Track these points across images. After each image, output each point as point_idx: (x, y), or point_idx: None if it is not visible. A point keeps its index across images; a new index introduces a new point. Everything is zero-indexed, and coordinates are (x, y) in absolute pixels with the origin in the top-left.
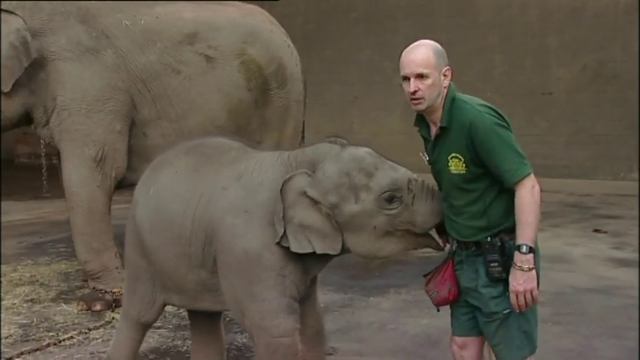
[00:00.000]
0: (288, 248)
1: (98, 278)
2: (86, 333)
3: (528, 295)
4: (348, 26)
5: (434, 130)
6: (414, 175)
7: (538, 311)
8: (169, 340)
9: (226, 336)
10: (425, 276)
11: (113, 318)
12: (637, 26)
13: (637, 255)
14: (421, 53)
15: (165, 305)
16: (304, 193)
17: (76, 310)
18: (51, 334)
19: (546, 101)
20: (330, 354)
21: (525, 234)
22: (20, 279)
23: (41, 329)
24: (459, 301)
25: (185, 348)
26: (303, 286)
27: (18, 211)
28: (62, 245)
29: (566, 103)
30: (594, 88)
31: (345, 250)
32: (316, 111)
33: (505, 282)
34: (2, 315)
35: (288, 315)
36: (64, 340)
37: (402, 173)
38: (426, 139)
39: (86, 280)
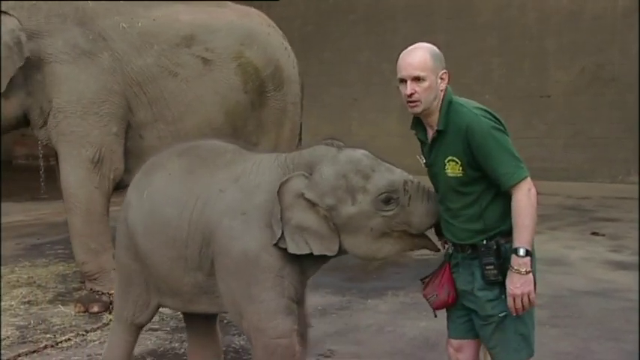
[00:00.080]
0: (285, 250)
1: (95, 280)
2: (83, 335)
3: (525, 299)
4: (346, 28)
5: (430, 133)
6: (410, 176)
7: (535, 314)
8: (167, 343)
9: (224, 338)
10: (422, 280)
11: (110, 320)
12: (635, 29)
13: (634, 258)
14: (418, 56)
15: (159, 307)
16: (302, 195)
17: (73, 312)
18: (48, 335)
19: (544, 104)
20: (328, 356)
21: (522, 237)
22: (18, 280)
23: (38, 331)
24: (455, 305)
25: (182, 350)
26: (300, 286)
27: (16, 213)
28: (60, 247)
29: (565, 105)
30: (592, 91)
31: (342, 251)
32: (315, 112)
33: (501, 285)
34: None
35: (286, 316)
36: (61, 342)
37: (399, 175)
38: (422, 142)
39: (83, 282)
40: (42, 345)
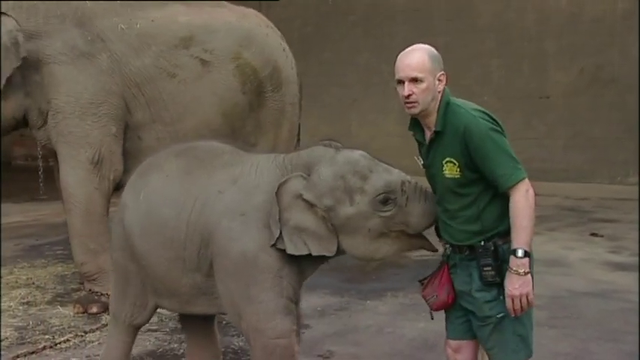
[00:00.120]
0: (284, 250)
1: (94, 280)
2: (82, 336)
3: (524, 300)
4: (346, 29)
5: (428, 134)
6: (408, 177)
7: (534, 315)
8: (166, 344)
9: (223, 339)
10: (420, 281)
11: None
12: (634, 31)
13: (633, 259)
14: (416, 57)
15: (156, 308)
16: (300, 196)
17: (72, 313)
18: (47, 336)
19: (544, 105)
20: (327, 357)
21: (520, 238)
22: (16, 281)
23: (37, 332)
24: (453, 305)
25: (181, 351)
26: (298, 287)
27: (14, 214)
28: (59, 248)
29: (564, 107)
30: (592, 92)
31: (340, 251)
32: (314, 113)
33: (499, 286)
34: None
35: (284, 316)
36: (60, 342)
37: (396, 175)
38: (420, 143)
39: (82, 283)
40: (41, 346)
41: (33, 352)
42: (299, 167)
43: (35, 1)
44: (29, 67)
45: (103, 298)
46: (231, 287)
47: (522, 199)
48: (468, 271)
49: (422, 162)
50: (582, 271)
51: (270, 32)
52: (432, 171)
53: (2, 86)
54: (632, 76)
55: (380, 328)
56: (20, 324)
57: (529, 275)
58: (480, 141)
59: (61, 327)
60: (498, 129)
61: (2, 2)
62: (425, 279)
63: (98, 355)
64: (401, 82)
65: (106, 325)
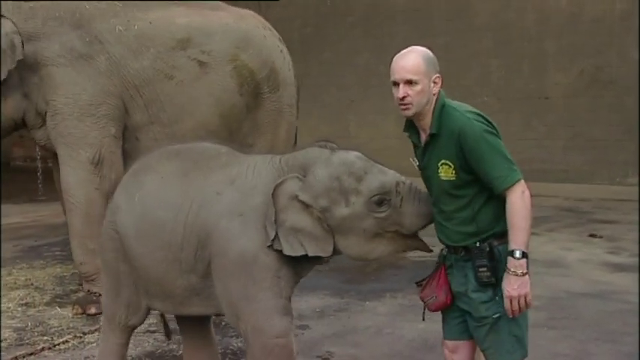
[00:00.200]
0: (282, 251)
1: (93, 281)
2: (81, 337)
3: (522, 300)
4: (345, 30)
5: (423, 136)
6: (402, 177)
7: (529, 315)
8: (164, 345)
9: (222, 340)
10: (417, 283)
11: None
12: (633, 32)
13: (632, 260)
14: (411, 60)
15: (149, 310)
16: (296, 197)
17: (71, 314)
18: (46, 338)
19: (543, 106)
20: (326, 358)
21: (518, 239)
22: (15, 282)
23: (36, 333)
24: (451, 306)
25: (180, 352)
26: (294, 287)
27: (13, 214)
28: (57, 249)
29: (564, 107)
30: (591, 93)
31: (335, 251)
32: (314, 114)
33: (494, 287)
34: None
35: (283, 316)
36: (58, 344)
37: (391, 176)
38: (415, 145)
39: (81, 284)
40: (39, 347)
41: (32, 354)
42: (295, 168)
43: (33, 4)
44: (27, 69)
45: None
46: (229, 287)
47: (519, 201)
48: (464, 272)
49: (417, 163)
50: (581, 271)
51: (268, 34)
52: (427, 173)
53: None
54: (631, 77)
55: (379, 329)
56: (19, 325)
57: (527, 276)
58: (475, 143)
59: (59, 328)
60: (493, 131)
61: (1, 5)
62: (422, 281)
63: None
64: (396, 83)
65: None
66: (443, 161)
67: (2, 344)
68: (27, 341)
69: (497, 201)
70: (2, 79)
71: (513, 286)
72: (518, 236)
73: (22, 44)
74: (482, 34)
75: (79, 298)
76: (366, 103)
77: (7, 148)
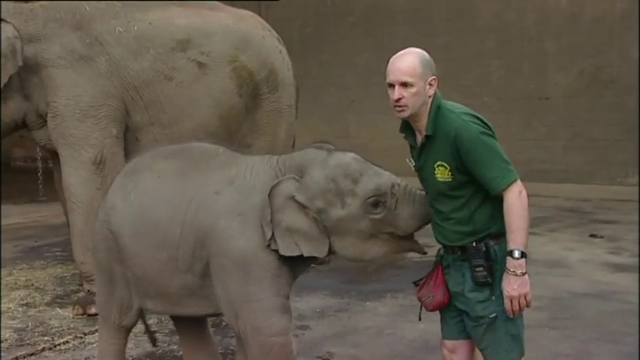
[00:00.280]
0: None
1: (93, 281)
2: (81, 337)
3: (522, 300)
4: (345, 30)
5: (419, 137)
6: (398, 179)
7: (527, 315)
8: (165, 345)
9: (222, 340)
10: (415, 283)
11: None
12: (634, 31)
13: (633, 260)
14: (407, 62)
15: (142, 310)
16: (292, 198)
17: (71, 315)
18: (46, 338)
19: (544, 106)
20: (327, 359)
21: (516, 239)
22: (15, 283)
23: (36, 334)
24: (448, 306)
25: (181, 353)
26: (292, 285)
27: (14, 215)
28: (58, 249)
29: (564, 107)
30: (591, 93)
31: (331, 252)
32: (314, 114)
33: (491, 286)
34: None
35: (282, 314)
36: (59, 344)
37: (386, 178)
38: (412, 146)
39: (81, 284)
40: (40, 348)
41: (32, 354)
42: (292, 169)
43: (34, 6)
44: (28, 71)
45: None
46: (228, 287)
47: (516, 201)
48: (461, 272)
49: (414, 164)
50: (582, 272)
51: (267, 34)
52: (423, 174)
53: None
54: (631, 77)
55: (380, 329)
56: (19, 325)
57: (526, 276)
58: (472, 145)
59: (60, 328)
60: (489, 132)
61: (2, 9)
62: (419, 280)
63: None
64: (391, 85)
65: None
66: (439, 163)
67: (3, 345)
68: (27, 342)
69: (494, 201)
70: (2, 85)
71: (513, 286)
72: (516, 236)
73: (22, 48)
74: (483, 34)
75: (79, 298)
76: (367, 103)
77: (7, 148)
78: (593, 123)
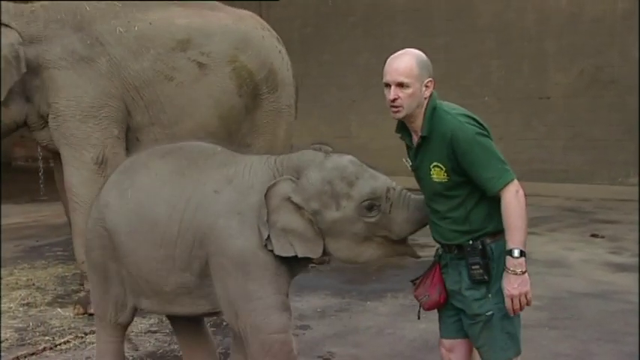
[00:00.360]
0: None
1: None
2: (82, 337)
3: (523, 299)
4: (346, 30)
5: (415, 138)
6: (394, 183)
7: (521, 314)
8: (166, 345)
9: (223, 340)
10: (412, 281)
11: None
12: (634, 31)
13: (634, 259)
14: (404, 62)
15: (136, 309)
16: (288, 199)
17: (72, 314)
18: (47, 338)
19: (544, 106)
20: (327, 359)
21: (515, 238)
22: (16, 282)
23: (37, 333)
24: (445, 305)
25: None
26: (290, 284)
27: (15, 215)
28: (59, 249)
29: (564, 107)
30: (592, 93)
31: (325, 253)
32: (314, 114)
33: (487, 284)
34: None
35: (282, 312)
36: (60, 344)
37: (382, 182)
38: (408, 146)
39: (82, 284)
40: (41, 347)
41: (33, 354)
42: (289, 170)
43: (35, 7)
44: (30, 73)
45: None
46: (228, 286)
47: (514, 200)
48: (458, 270)
49: (410, 164)
50: (583, 271)
51: (267, 34)
52: (419, 174)
53: (3, 98)
54: (631, 77)
55: (380, 329)
56: (20, 325)
57: (526, 274)
58: (468, 146)
59: (61, 328)
60: (484, 132)
61: (3, 11)
62: (417, 279)
63: None
64: (388, 85)
65: None
66: (435, 164)
67: (4, 344)
68: (28, 341)
69: (490, 200)
70: (2, 98)
71: (513, 285)
72: (515, 235)
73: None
74: (483, 34)
75: (80, 298)
76: (367, 103)
77: (8, 148)
78: (593, 123)
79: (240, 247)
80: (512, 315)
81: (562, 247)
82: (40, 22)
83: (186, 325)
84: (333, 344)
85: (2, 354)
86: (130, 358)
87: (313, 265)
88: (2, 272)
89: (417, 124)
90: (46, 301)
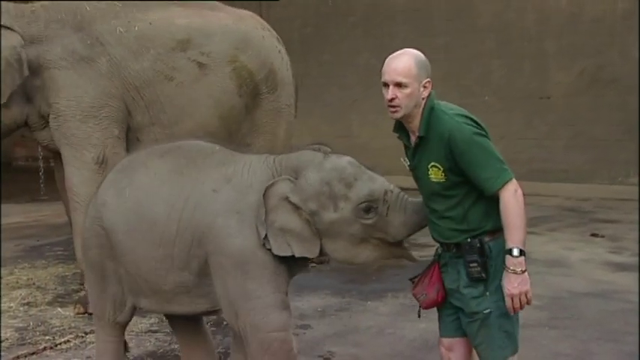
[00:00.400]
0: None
1: None
2: (82, 337)
3: (523, 298)
4: (346, 30)
5: (413, 138)
6: (392, 186)
7: (520, 312)
8: (166, 344)
9: (223, 339)
10: (411, 279)
11: None
12: (635, 31)
13: (634, 259)
14: (403, 62)
15: (135, 308)
16: (286, 199)
17: (72, 314)
18: (47, 337)
19: (544, 105)
20: (327, 358)
21: (514, 237)
22: (17, 282)
23: (38, 333)
24: (444, 303)
25: None
26: (289, 283)
27: (15, 214)
28: (59, 248)
29: (565, 107)
30: (592, 93)
31: (322, 254)
32: (315, 113)
33: (485, 282)
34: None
35: (281, 310)
36: (60, 343)
37: (379, 184)
38: (406, 146)
39: (83, 284)
40: (41, 347)
41: (33, 353)
42: (288, 170)
43: (35, 7)
44: (30, 73)
45: None
46: (227, 285)
47: (512, 200)
48: (456, 269)
49: (408, 164)
50: (583, 271)
51: (266, 34)
52: (417, 174)
53: (4, 101)
54: (632, 76)
55: (380, 329)
56: (21, 325)
57: (526, 273)
58: (466, 146)
59: (61, 328)
60: (482, 132)
61: (4, 11)
62: (415, 277)
63: None
64: (386, 84)
65: None
66: (432, 164)
67: (4, 344)
68: (29, 341)
69: (488, 199)
70: (4, 101)
71: (513, 284)
72: (514, 235)
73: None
74: (483, 34)
75: (80, 297)
76: (368, 103)
77: (8, 148)
78: (594, 122)
79: (239, 246)
80: (512, 314)
81: (562, 246)
82: (41, 22)
83: (185, 324)
84: (333, 344)
85: (2, 353)
86: (130, 357)
87: (313, 264)
88: (3, 272)
89: (415, 124)
90: (46, 300)
